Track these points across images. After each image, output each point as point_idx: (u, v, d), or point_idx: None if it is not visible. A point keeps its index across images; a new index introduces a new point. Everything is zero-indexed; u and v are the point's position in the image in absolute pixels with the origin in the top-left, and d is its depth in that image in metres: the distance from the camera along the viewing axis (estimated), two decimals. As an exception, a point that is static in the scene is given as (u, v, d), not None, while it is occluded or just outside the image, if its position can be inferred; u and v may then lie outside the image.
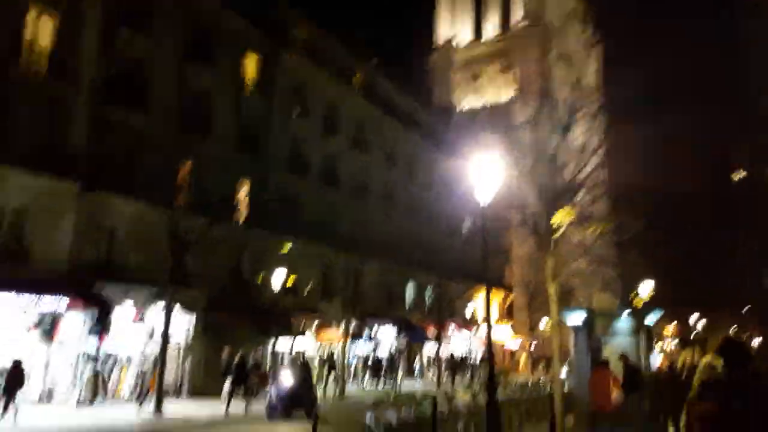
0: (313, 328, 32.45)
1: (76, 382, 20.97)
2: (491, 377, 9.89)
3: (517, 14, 70.33)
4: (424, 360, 43.19)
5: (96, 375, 21.23)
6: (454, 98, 67.59)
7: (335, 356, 31.44)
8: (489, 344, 10.33)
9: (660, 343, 55.97)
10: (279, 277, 26.86)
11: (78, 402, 20.35)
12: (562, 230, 13.23)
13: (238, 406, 20.72)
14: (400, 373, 36.56)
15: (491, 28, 73.09)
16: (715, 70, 79.44)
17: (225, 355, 25.27)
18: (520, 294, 52.30)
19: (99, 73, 23.90)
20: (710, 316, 62.08)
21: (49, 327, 20.66)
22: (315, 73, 36.61)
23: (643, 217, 16.25)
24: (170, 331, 20.77)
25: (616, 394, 12.63)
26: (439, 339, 39.22)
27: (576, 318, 15.26)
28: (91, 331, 21.06)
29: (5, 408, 16.25)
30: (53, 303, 20.48)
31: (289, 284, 28.29)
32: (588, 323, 15.04)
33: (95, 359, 21.53)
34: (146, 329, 23.30)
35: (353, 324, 31.01)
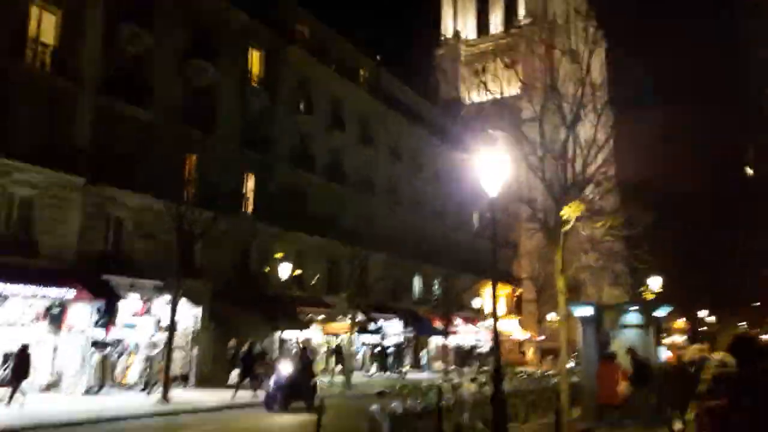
0: (319, 320, 32.55)
1: (83, 370, 21.11)
2: (497, 369, 10.02)
3: (521, 10, 70.24)
4: (431, 352, 43.32)
5: (103, 363, 21.35)
6: (460, 92, 67.49)
7: (342, 346, 31.54)
8: (496, 336, 10.45)
9: (669, 339, 55.91)
10: (285, 269, 26.92)
11: (85, 390, 20.49)
12: (570, 224, 13.20)
13: (245, 394, 20.90)
14: (407, 363, 36.61)
15: (494, 24, 72.95)
16: (715, 70, 79.19)
17: (232, 345, 25.40)
18: (529, 288, 52.39)
19: (103, 69, 23.98)
20: (719, 312, 61.92)
21: (57, 316, 20.87)
22: (319, 69, 36.61)
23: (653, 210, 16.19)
24: (177, 321, 20.86)
25: (623, 387, 12.65)
26: (446, 332, 39.32)
27: (583, 311, 15.26)
28: (98, 323, 21.17)
29: (12, 394, 16.41)
30: (61, 294, 20.64)
31: (293, 274, 28.29)
32: (596, 317, 15.04)
33: (103, 347, 21.65)
34: (153, 320, 23.41)
35: (359, 317, 31.08)
